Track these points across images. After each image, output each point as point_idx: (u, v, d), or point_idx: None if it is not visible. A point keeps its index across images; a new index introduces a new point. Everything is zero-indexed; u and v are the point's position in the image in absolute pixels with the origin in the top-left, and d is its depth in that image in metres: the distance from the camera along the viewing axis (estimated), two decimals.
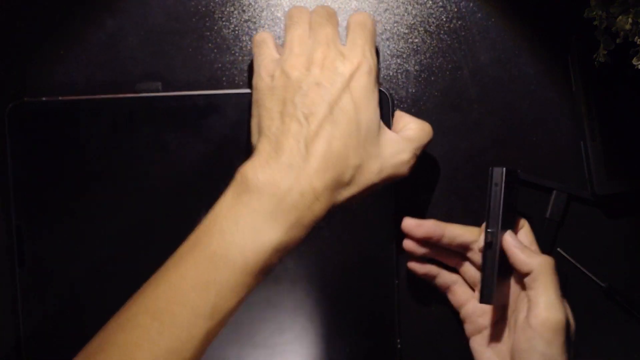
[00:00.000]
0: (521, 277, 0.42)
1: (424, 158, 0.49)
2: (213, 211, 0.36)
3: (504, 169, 0.42)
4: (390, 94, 0.43)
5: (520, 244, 0.42)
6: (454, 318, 0.47)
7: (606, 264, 0.48)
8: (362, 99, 0.37)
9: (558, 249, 0.48)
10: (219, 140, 0.46)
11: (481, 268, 0.42)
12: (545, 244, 0.48)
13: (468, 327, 0.45)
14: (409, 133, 0.40)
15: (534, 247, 0.45)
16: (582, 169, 0.48)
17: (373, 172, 0.37)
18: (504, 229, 0.42)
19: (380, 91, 0.42)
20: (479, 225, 0.45)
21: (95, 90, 0.48)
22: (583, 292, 0.48)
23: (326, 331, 0.46)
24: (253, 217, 0.35)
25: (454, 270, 0.46)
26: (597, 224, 0.48)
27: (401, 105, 0.49)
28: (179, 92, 0.47)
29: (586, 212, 0.48)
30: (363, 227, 0.46)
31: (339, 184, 0.36)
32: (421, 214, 0.48)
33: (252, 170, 0.36)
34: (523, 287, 0.42)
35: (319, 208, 0.36)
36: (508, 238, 0.42)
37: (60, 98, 0.47)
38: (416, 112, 0.49)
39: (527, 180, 0.48)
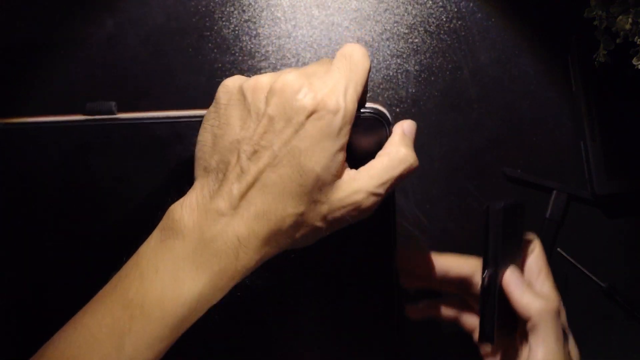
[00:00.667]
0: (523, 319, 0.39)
1: (424, 158, 0.49)
2: (138, 251, 0.33)
3: (503, 208, 0.38)
4: (388, 124, 0.37)
5: (522, 284, 0.39)
6: (458, 339, 0.47)
7: (606, 264, 0.48)
8: (315, 143, 0.32)
9: (558, 249, 0.48)
10: (181, 169, 0.41)
11: (479, 308, 0.39)
12: (545, 244, 0.48)
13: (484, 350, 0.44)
14: (374, 164, 0.35)
15: (544, 273, 0.41)
16: (582, 169, 0.48)
17: (318, 218, 0.33)
18: (506, 263, 0.39)
19: (375, 118, 0.37)
20: (476, 228, 0.45)
21: (96, 90, 0.49)
22: (583, 292, 0.48)
23: (323, 348, 0.43)
24: (175, 263, 0.32)
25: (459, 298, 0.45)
26: (597, 224, 0.48)
27: (401, 105, 0.49)
28: (132, 115, 0.41)
29: (586, 212, 0.48)
30: (361, 235, 0.42)
31: (276, 233, 0.33)
32: (420, 216, 0.48)
33: (180, 212, 0.33)
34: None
35: (247, 258, 0.33)
36: (508, 278, 0.39)
37: (4, 121, 0.41)
38: (416, 112, 0.49)
39: (527, 180, 0.48)
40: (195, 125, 0.38)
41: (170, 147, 0.40)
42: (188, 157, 0.39)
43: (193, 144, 0.38)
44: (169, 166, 0.40)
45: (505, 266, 0.39)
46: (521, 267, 0.41)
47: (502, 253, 0.39)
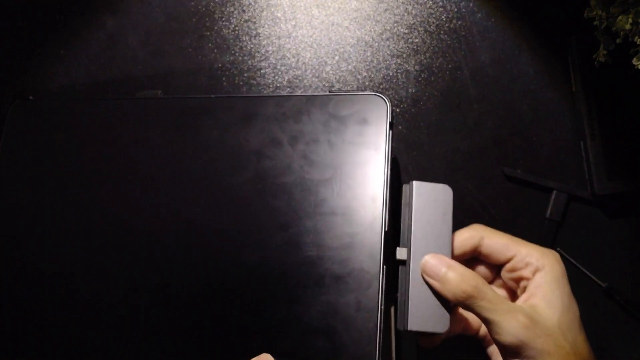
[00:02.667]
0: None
1: (425, 158, 0.49)
2: None
3: (414, 182, 0.39)
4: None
5: (438, 269, 0.37)
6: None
7: (606, 264, 0.48)
8: None
9: (558, 249, 0.48)
10: (204, 141, 0.45)
11: (398, 290, 0.39)
12: (545, 244, 0.48)
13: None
14: None
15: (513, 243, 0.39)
16: (582, 169, 0.48)
17: None
18: (429, 246, 0.39)
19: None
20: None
21: (96, 90, 0.49)
22: (583, 292, 0.48)
23: None
24: None
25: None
26: (597, 224, 0.48)
27: (401, 105, 0.49)
28: (175, 96, 0.47)
29: (586, 212, 0.48)
30: (346, 242, 0.42)
31: None
32: None
33: None
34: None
35: None
36: (423, 263, 0.38)
37: (63, 98, 0.47)
38: (416, 112, 0.49)
39: (527, 180, 0.48)
40: (223, 103, 0.45)
41: (206, 120, 0.45)
42: (221, 129, 0.45)
43: (221, 118, 0.44)
44: (205, 136, 0.45)
45: (430, 244, 0.38)
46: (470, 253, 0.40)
47: (421, 230, 0.38)
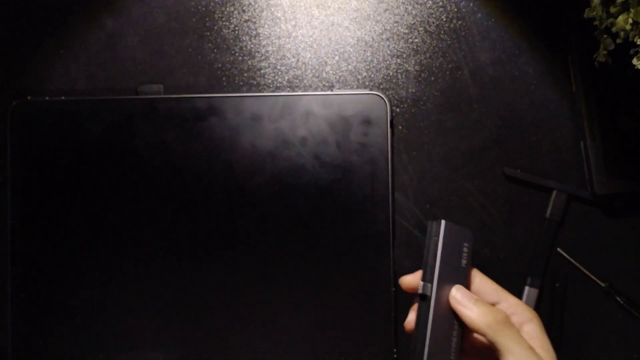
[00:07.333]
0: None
1: (424, 158, 0.49)
2: None
3: (443, 221, 0.38)
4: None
5: (469, 299, 0.38)
6: None
7: (606, 264, 0.48)
8: None
9: (558, 249, 0.48)
10: (217, 142, 0.47)
11: (415, 324, 0.38)
12: (545, 244, 0.48)
13: None
14: None
15: (501, 290, 0.40)
16: (582, 169, 0.48)
17: None
18: (450, 281, 0.38)
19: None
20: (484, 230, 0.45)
21: (96, 90, 0.49)
22: (583, 292, 0.48)
23: (322, 341, 0.46)
24: None
25: None
26: (597, 224, 0.48)
27: (401, 105, 0.49)
28: (180, 95, 0.47)
29: (586, 212, 0.48)
30: (359, 235, 0.47)
31: None
32: (420, 216, 0.48)
33: None
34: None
35: None
36: (453, 293, 0.38)
37: (63, 98, 0.47)
38: (416, 112, 0.49)
39: (527, 180, 0.48)
40: (227, 102, 0.46)
41: (206, 120, 0.47)
42: (221, 128, 0.47)
43: (226, 117, 0.46)
44: (205, 135, 0.47)
45: (449, 284, 0.38)
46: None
47: (443, 269, 0.38)
